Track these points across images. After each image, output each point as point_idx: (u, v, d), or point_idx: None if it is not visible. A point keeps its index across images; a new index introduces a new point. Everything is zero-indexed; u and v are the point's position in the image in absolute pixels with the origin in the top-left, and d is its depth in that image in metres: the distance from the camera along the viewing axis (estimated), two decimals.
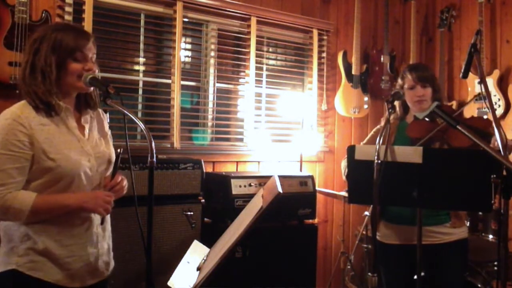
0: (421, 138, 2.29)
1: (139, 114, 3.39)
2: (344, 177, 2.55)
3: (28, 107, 1.62)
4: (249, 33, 3.70)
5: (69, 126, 1.68)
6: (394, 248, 2.43)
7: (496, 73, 3.88)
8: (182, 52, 3.45)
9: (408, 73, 2.48)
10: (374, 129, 2.68)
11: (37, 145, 1.58)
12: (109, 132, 1.88)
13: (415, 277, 2.13)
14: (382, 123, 2.65)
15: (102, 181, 1.75)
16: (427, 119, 2.37)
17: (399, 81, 2.54)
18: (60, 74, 1.63)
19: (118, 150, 1.76)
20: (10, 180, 1.56)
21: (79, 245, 1.68)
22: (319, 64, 4.04)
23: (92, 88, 1.72)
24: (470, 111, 3.93)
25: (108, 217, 1.83)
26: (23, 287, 1.62)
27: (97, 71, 1.72)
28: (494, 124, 1.95)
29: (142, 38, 3.36)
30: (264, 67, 3.88)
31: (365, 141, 2.66)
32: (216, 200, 2.97)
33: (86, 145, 1.71)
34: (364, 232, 3.45)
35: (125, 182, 1.79)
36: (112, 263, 1.86)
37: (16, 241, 1.62)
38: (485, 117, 3.67)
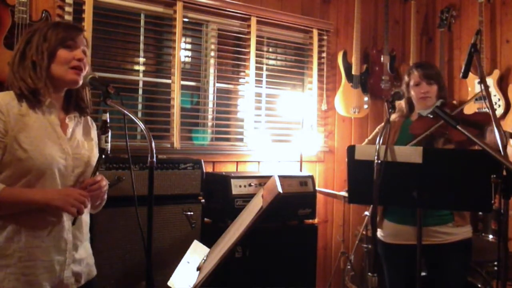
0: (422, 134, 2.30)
1: (139, 114, 3.39)
2: None
3: (11, 96, 1.60)
4: (249, 33, 3.70)
5: (51, 121, 1.64)
6: (397, 248, 2.43)
7: (496, 73, 3.88)
8: (182, 52, 3.45)
9: (415, 69, 2.50)
10: (378, 128, 2.70)
11: (11, 133, 1.54)
12: (95, 139, 1.82)
13: (422, 274, 2.12)
14: None
15: (78, 184, 1.66)
16: (430, 116, 2.38)
17: (405, 78, 2.57)
18: (50, 64, 1.61)
19: (102, 143, 1.69)
20: None
21: (42, 249, 1.57)
22: (319, 64, 4.04)
23: (80, 83, 1.67)
24: (470, 111, 3.92)
25: (86, 223, 1.74)
26: None
27: (88, 67, 1.69)
28: (494, 124, 1.95)
29: (142, 38, 3.36)
30: (264, 67, 3.88)
31: (370, 137, 2.67)
32: (216, 200, 2.97)
33: (66, 144, 1.65)
34: (364, 232, 3.45)
35: (104, 183, 1.67)
36: (90, 274, 1.75)
37: None
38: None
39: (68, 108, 1.73)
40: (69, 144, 1.67)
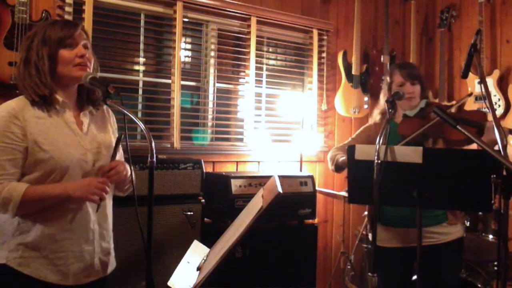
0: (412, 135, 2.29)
1: (139, 114, 3.39)
2: (330, 167, 2.53)
3: (24, 101, 1.64)
4: (249, 33, 3.70)
5: (66, 120, 1.68)
6: (391, 251, 2.42)
7: (496, 73, 3.88)
8: (182, 52, 3.45)
9: (398, 70, 2.49)
10: (363, 127, 2.68)
11: (30, 137, 1.58)
12: (114, 128, 1.86)
13: (414, 277, 2.12)
14: (371, 122, 2.66)
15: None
16: (417, 116, 2.38)
17: (388, 79, 2.55)
18: (54, 66, 1.64)
19: (118, 136, 1.74)
20: (2, 171, 1.57)
21: (72, 241, 1.65)
22: (319, 64, 4.04)
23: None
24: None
25: (109, 216, 1.81)
26: (12, 283, 1.60)
27: (93, 60, 1.72)
28: (494, 124, 1.95)
29: (142, 38, 3.36)
30: (264, 67, 3.88)
31: (354, 136, 2.65)
32: (216, 200, 2.97)
33: (84, 140, 1.69)
34: (364, 232, 3.45)
35: (122, 167, 1.71)
36: (113, 265, 1.84)
37: (8, 235, 1.62)
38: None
39: (82, 103, 1.76)
40: (87, 140, 1.70)
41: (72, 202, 1.63)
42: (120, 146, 1.79)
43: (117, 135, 1.84)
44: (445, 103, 4.12)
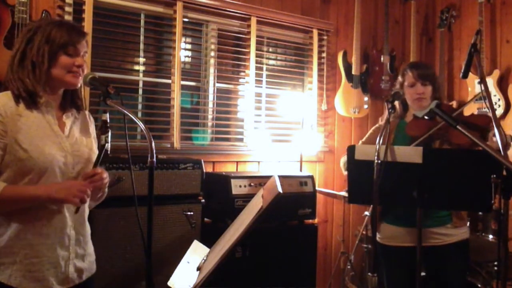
0: (420, 137, 2.29)
1: (139, 114, 3.39)
2: (344, 173, 2.54)
3: (8, 96, 1.60)
4: (249, 33, 3.70)
5: (48, 120, 1.65)
6: (396, 250, 2.42)
7: (496, 73, 3.88)
8: (182, 52, 3.45)
9: (409, 70, 2.47)
10: (373, 128, 2.68)
11: (10, 134, 1.55)
12: (93, 134, 1.82)
13: (422, 274, 2.12)
14: (381, 122, 2.65)
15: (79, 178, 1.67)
16: (426, 117, 2.37)
17: (399, 78, 2.53)
18: (50, 66, 1.61)
19: (102, 141, 1.69)
20: None
21: (47, 246, 1.60)
22: (319, 64, 4.04)
23: (79, 85, 1.69)
24: (470, 111, 3.92)
25: (87, 222, 1.76)
26: None
27: (86, 70, 1.70)
28: (494, 124, 1.95)
29: (142, 38, 3.36)
30: (264, 67, 3.88)
31: (364, 139, 2.66)
32: (216, 200, 2.97)
33: (64, 142, 1.66)
34: (364, 232, 3.45)
35: (105, 175, 1.68)
36: (91, 270, 1.77)
37: None
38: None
39: (65, 105, 1.74)
40: (68, 142, 1.68)
41: (53, 203, 1.59)
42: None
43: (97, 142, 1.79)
44: (446, 102, 4.11)
